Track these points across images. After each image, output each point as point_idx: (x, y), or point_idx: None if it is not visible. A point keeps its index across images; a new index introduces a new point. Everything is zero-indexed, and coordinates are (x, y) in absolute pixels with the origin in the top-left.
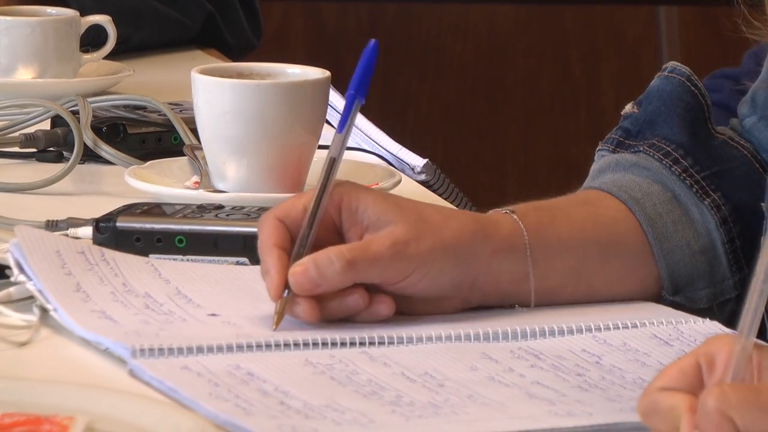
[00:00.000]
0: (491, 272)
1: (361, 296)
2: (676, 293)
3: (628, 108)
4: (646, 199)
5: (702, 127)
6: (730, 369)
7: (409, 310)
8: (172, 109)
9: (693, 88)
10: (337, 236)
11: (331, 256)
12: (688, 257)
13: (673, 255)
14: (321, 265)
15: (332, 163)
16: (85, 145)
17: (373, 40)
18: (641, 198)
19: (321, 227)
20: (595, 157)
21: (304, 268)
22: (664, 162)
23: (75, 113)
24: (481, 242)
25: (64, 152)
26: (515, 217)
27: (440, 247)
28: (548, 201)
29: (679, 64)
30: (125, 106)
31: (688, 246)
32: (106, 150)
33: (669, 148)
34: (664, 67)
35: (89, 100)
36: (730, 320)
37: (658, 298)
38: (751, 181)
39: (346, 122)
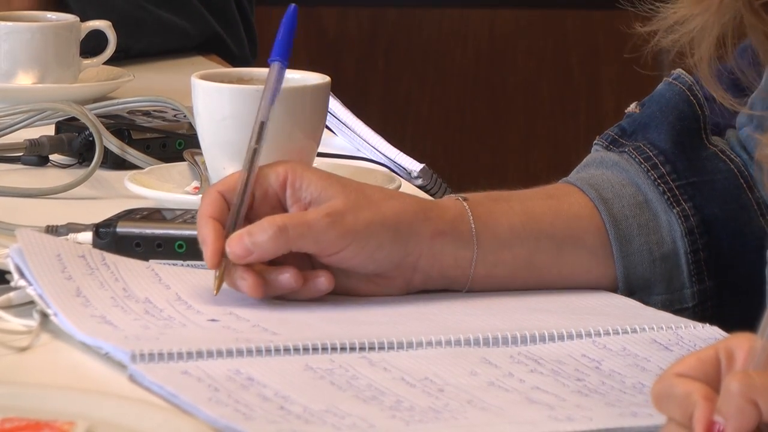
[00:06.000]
0: (433, 254)
1: (292, 275)
2: (631, 296)
3: (632, 107)
4: (615, 200)
5: (693, 138)
6: (750, 365)
7: (349, 289)
8: (174, 115)
9: (692, 98)
10: (282, 213)
11: (264, 223)
12: (647, 262)
13: (632, 258)
14: (254, 233)
15: (261, 127)
16: (78, 148)
17: (292, 6)
18: (611, 198)
19: (266, 204)
20: (592, 150)
21: (239, 235)
22: (642, 166)
23: (72, 119)
24: (421, 222)
25: (49, 157)
26: (464, 203)
27: (379, 220)
28: (510, 192)
29: (684, 72)
30: (130, 111)
31: (649, 251)
32: (133, 154)
33: (651, 153)
34: (671, 72)
35: (98, 104)
36: None
37: None
38: (729, 195)
39: (271, 88)
